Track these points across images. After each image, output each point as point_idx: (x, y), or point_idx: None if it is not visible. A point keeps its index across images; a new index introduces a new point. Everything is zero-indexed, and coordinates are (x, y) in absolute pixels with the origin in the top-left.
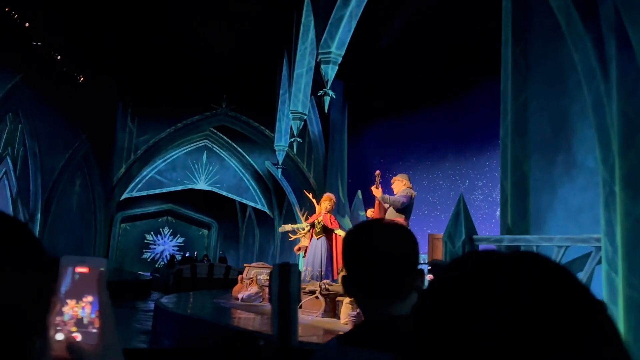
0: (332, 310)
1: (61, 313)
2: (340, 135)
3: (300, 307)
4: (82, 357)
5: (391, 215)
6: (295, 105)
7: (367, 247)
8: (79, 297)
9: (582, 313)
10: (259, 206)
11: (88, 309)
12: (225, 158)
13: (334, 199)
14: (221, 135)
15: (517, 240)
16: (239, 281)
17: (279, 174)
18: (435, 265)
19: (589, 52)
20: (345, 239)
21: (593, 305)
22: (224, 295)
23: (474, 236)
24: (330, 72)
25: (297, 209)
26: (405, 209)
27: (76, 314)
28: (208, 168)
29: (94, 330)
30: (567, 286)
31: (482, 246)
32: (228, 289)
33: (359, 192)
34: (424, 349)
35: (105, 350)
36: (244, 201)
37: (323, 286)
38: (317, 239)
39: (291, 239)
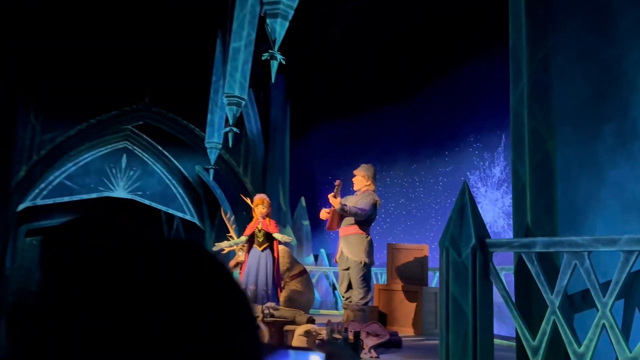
0: (279, 342)
1: None
2: (281, 136)
3: None
4: None
5: (348, 221)
6: (231, 88)
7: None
8: None
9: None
10: (187, 217)
11: None
12: (149, 162)
13: (268, 200)
14: (144, 136)
15: (559, 244)
16: None
17: (210, 177)
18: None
19: None
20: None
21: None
22: None
23: (488, 240)
24: (278, 28)
25: (222, 213)
26: (366, 217)
27: None
28: (128, 173)
29: None
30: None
31: (501, 254)
32: None
33: (302, 199)
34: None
35: None
36: (171, 211)
37: (266, 311)
38: (261, 250)
39: (224, 252)
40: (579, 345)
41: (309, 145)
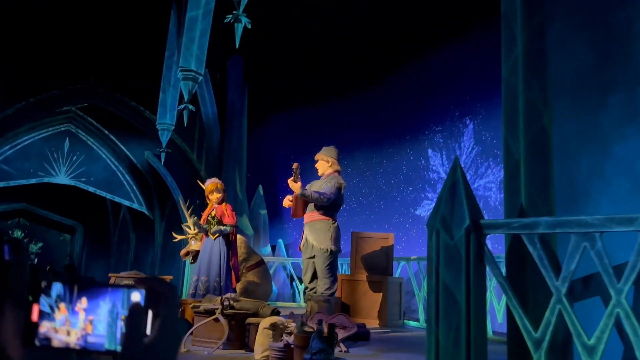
0: (240, 338)
1: None
2: (239, 121)
3: (192, 334)
4: None
5: (314, 207)
6: (187, 61)
7: None
8: None
9: None
10: (135, 205)
11: None
12: (94, 147)
13: (222, 184)
14: (89, 118)
15: (566, 224)
16: None
17: (162, 161)
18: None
19: None
20: None
21: None
22: None
23: (483, 221)
24: None
25: (181, 202)
26: (331, 202)
27: None
28: (71, 158)
29: None
30: None
31: (495, 237)
32: None
33: (260, 187)
34: None
35: None
36: (117, 199)
37: (226, 302)
38: (214, 238)
39: (175, 240)
40: (589, 337)
41: (267, 132)
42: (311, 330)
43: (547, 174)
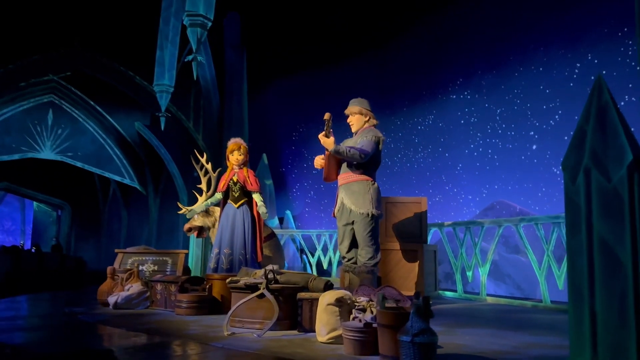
0: (289, 316)
1: None
2: (238, 86)
3: (231, 314)
4: None
5: (349, 167)
6: (195, 4)
7: None
8: None
9: None
10: (126, 181)
11: None
12: (80, 119)
13: (245, 145)
14: (73, 88)
15: None
16: (109, 276)
17: (162, 127)
18: None
19: None
20: None
21: None
22: (83, 298)
23: None
24: None
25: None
26: (369, 159)
27: None
28: (56, 131)
29: None
30: None
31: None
32: (79, 289)
33: (264, 156)
34: None
35: None
36: (106, 174)
37: (270, 275)
38: (237, 206)
39: (182, 212)
40: None
41: (268, 97)
42: (394, 305)
43: None
